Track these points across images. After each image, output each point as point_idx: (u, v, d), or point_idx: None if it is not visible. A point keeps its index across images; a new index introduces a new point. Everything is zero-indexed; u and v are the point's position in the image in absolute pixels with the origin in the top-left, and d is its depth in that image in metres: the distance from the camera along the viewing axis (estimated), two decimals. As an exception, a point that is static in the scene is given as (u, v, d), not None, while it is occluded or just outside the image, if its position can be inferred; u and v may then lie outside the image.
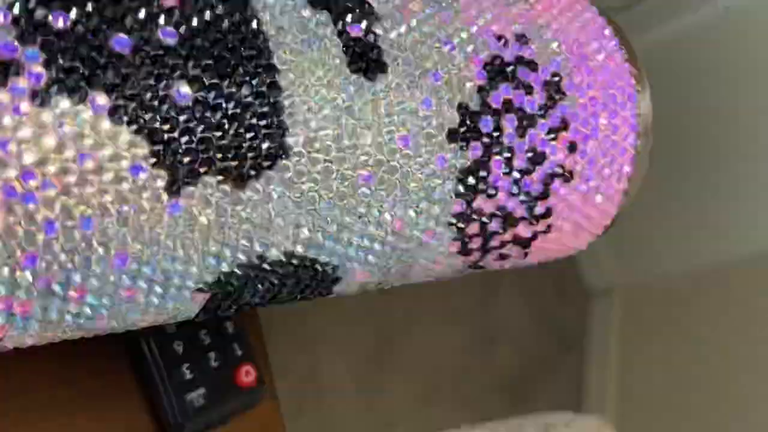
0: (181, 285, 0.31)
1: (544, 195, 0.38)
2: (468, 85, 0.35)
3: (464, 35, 0.36)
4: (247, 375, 0.47)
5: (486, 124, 0.36)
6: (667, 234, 1.33)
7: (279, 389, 0.51)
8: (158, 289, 0.31)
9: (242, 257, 0.32)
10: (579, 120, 0.38)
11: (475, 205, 0.36)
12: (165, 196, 0.29)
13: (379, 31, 0.34)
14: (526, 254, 0.41)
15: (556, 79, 0.38)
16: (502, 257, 0.40)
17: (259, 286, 0.33)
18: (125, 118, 0.28)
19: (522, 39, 0.37)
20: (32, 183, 0.27)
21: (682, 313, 1.32)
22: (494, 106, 0.36)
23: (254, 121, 0.30)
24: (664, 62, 1.16)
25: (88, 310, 0.30)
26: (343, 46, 0.33)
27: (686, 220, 1.29)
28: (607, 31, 0.41)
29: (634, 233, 1.30)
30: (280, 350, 0.50)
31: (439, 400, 1.34)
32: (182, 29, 0.29)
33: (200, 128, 0.29)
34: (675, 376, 1.32)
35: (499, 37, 0.37)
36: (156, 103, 0.28)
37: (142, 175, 0.28)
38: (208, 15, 0.30)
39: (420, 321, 1.30)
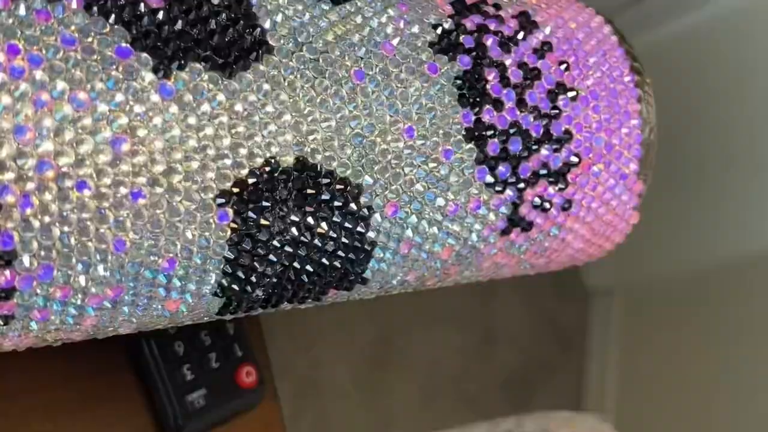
0: (204, 189, 0.30)
1: (554, 112, 0.38)
2: (437, 11, 0.36)
3: None
4: (247, 375, 0.47)
5: (467, 40, 0.36)
6: (667, 234, 1.33)
7: (279, 389, 0.51)
8: (174, 201, 0.30)
9: (255, 161, 0.31)
10: (562, 45, 0.39)
11: (484, 118, 0.36)
12: (156, 81, 0.28)
13: None
14: (568, 202, 0.39)
15: (524, 14, 0.38)
16: (543, 203, 0.39)
17: (280, 209, 0.32)
18: (100, 12, 0.28)
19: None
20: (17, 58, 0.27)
21: (682, 313, 1.32)
22: (469, 27, 0.36)
23: (229, 23, 0.30)
24: (664, 62, 1.16)
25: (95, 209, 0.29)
26: None
27: (687, 220, 1.29)
28: (597, 22, 0.42)
29: (635, 233, 1.30)
30: (281, 351, 0.50)
31: (439, 400, 1.34)
32: None
33: (177, 25, 0.29)
34: (675, 376, 1.32)
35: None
36: (127, 4, 0.29)
37: (129, 56, 0.28)
38: None
39: (420, 321, 1.30)
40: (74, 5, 0.27)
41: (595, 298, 1.48)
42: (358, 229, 0.34)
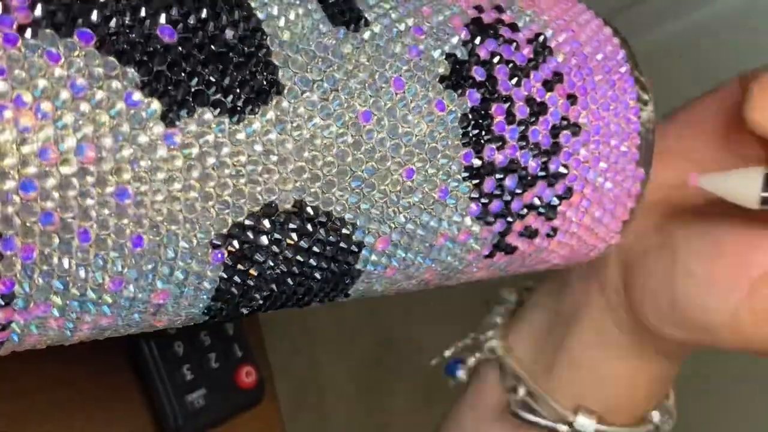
0: (196, 237, 0.30)
1: (554, 148, 0.38)
2: (452, 39, 0.36)
3: (440, 4, 0.36)
4: (247, 376, 0.47)
5: (478, 72, 0.36)
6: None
7: (279, 389, 0.51)
8: (171, 242, 0.30)
9: (252, 206, 0.31)
10: (573, 75, 0.39)
11: (485, 156, 0.36)
12: (162, 127, 0.28)
13: None
14: (553, 230, 0.40)
15: (540, 37, 0.38)
16: (528, 232, 0.39)
17: (274, 248, 0.32)
18: (112, 50, 0.28)
19: (497, 8, 0.38)
20: (24, 109, 0.26)
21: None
22: (482, 56, 0.36)
23: (242, 60, 0.30)
24: (664, 62, 1.16)
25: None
26: (322, 5, 0.33)
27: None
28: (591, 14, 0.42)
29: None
30: (280, 351, 0.50)
31: (439, 401, 1.35)
32: None
33: (188, 64, 0.29)
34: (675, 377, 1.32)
35: (476, 7, 0.37)
36: (141, 41, 0.28)
37: (137, 106, 0.28)
38: None
39: (420, 321, 1.30)
40: (85, 43, 0.27)
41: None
42: (348, 261, 0.35)
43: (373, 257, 0.35)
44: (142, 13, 0.28)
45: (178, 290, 0.31)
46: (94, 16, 0.27)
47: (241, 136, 0.30)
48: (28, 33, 0.26)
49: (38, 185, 0.26)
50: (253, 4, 0.31)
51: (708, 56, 1.20)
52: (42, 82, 0.26)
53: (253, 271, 0.32)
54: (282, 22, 0.32)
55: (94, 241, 0.28)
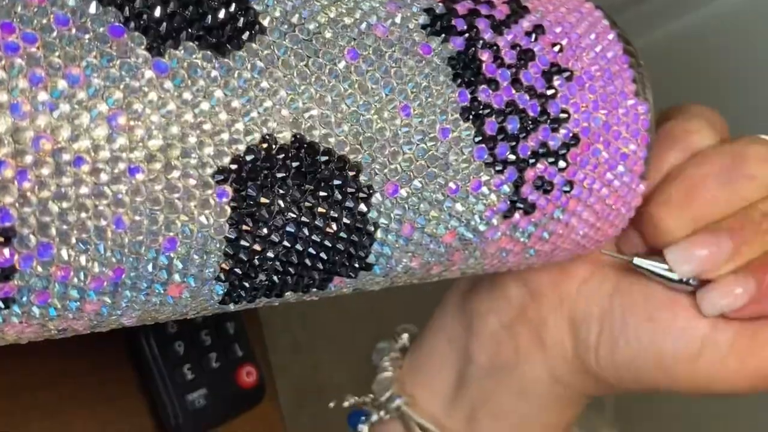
0: (200, 164, 0.30)
1: (550, 91, 0.38)
2: None
3: None
4: (247, 375, 0.47)
5: (459, 23, 0.36)
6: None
7: (279, 389, 0.51)
8: (169, 178, 0.29)
9: (250, 137, 0.31)
10: (555, 27, 0.39)
11: (480, 97, 0.36)
12: (149, 58, 0.29)
13: None
14: (569, 184, 0.40)
15: (518, 1, 0.39)
16: (542, 183, 0.39)
17: (279, 189, 0.32)
18: None
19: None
20: (11, 36, 0.27)
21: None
22: (460, 12, 0.36)
23: (220, 4, 0.31)
24: (664, 62, 1.16)
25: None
26: None
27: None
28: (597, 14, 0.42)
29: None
30: (280, 350, 0.50)
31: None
32: None
33: (168, 6, 0.30)
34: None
35: None
36: None
37: (122, 36, 0.28)
38: None
39: (421, 321, 1.30)
40: None
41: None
42: (360, 208, 0.34)
43: (387, 203, 0.35)
44: None
45: (187, 232, 0.30)
46: None
47: (227, 64, 0.30)
48: None
49: (30, 104, 0.26)
50: None
51: (707, 56, 1.20)
52: (23, 12, 0.27)
53: (261, 214, 0.32)
54: None
55: (90, 165, 0.28)
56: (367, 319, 1.28)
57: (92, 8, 0.28)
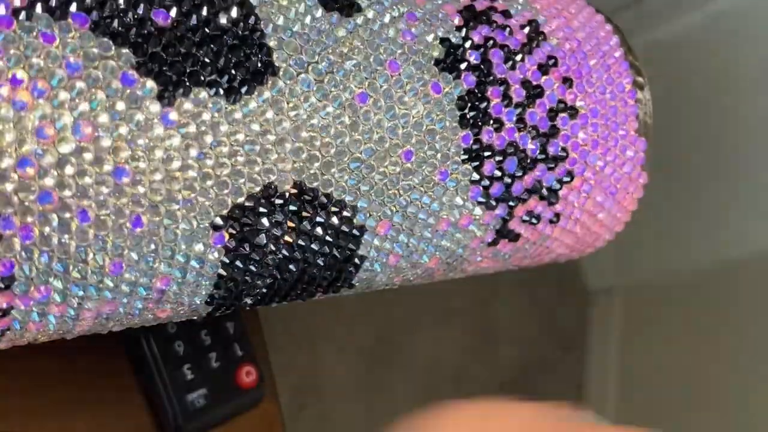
0: (199, 217, 0.30)
1: (552, 131, 0.38)
2: (446, 23, 0.36)
3: None
4: (247, 375, 0.47)
5: (473, 55, 0.36)
6: (667, 234, 1.33)
7: (279, 389, 0.51)
8: (169, 222, 0.30)
9: (252, 186, 0.31)
10: (569, 59, 0.39)
11: (483, 138, 0.36)
12: (158, 105, 0.28)
13: None
14: (556, 216, 0.40)
15: (534, 24, 0.38)
16: (531, 217, 0.39)
17: (275, 230, 0.32)
18: (107, 32, 0.28)
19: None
20: (20, 86, 0.26)
21: (682, 314, 1.32)
22: (476, 41, 0.36)
23: (236, 42, 0.30)
24: (663, 63, 1.16)
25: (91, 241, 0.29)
26: None
27: (687, 220, 1.29)
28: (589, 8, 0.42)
29: (635, 233, 1.30)
30: (281, 350, 0.50)
31: (440, 399, 1.34)
32: None
33: (183, 46, 0.29)
34: (675, 377, 1.32)
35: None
36: (136, 24, 0.28)
37: (133, 84, 0.28)
38: None
39: (420, 320, 1.30)
40: (80, 25, 0.27)
41: (596, 299, 1.48)
42: (350, 246, 0.35)
43: (376, 242, 0.35)
44: None
45: (180, 275, 0.31)
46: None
47: (237, 115, 0.30)
48: (23, 15, 0.26)
49: (35, 163, 0.26)
50: None
51: (709, 55, 1.20)
52: (37, 61, 0.26)
53: (254, 256, 0.32)
54: (275, 8, 0.32)
55: (93, 221, 0.28)
56: (367, 320, 1.28)
57: (105, 48, 0.28)
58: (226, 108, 0.30)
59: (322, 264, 0.34)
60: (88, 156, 0.27)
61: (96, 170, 0.27)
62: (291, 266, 0.34)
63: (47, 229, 0.27)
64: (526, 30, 0.38)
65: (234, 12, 0.31)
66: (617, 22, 0.43)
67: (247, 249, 0.32)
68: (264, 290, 0.34)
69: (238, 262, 0.32)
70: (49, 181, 0.27)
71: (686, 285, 1.32)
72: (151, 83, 0.28)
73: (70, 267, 0.28)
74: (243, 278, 0.33)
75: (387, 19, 0.35)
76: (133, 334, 0.43)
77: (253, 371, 0.47)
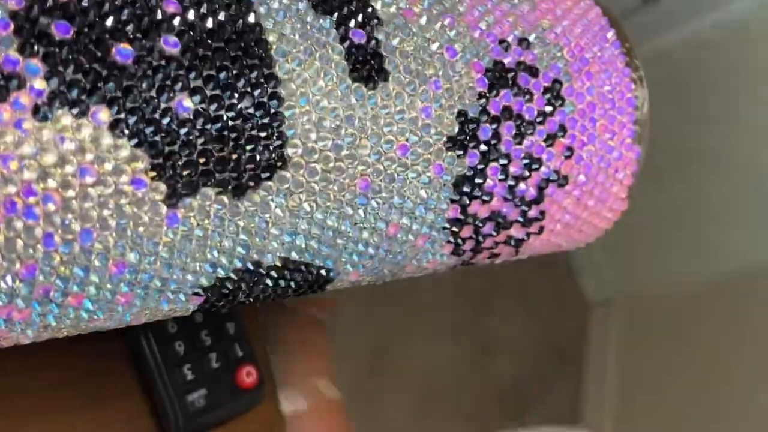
0: (178, 290, 0.31)
1: (537, 200, 0.39)
2: (468, 92, 0.35)
3: (466, 41, 0.36)
4: (248, 376, 0.47)
5: (485, 132, 0.36)
6: (666, 246, 1.33)
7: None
8: (155, 295, 0.31)
9: (239, 264, 0.32)
10: (577, 126, 0.39)
11: (470, 210, 0.37)
12: (164, 208, 0.29)
13: (381, 37, 0.33)
14: (517, 252, 0.41)
15: (557, 85, 0.38)
16: (494, 255, 0.41)
17: (254, 288, 0.34)
18: (126, 132, 0.28)
19: (524, 43, 0.37)
20: (32, 199, 0.27)
21: (681, 325, 1.32)
22: (493, 113, 0.36)
23: (254, 132, 0.30)
24: (665, 69, 1.16)
25: (84, 315, 0.30)
26: (345, 54, 0.32)
27: (685, 232, 1.29)
28: (609, 35, 0.41)
29: (634, 245, 1.30)
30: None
31: (435, 411, 1.34)
32: (185, 37, 0.29)
33: (200, 141, 0.29)
34: (674, 388, 1.32)
35: (501, 41, 0.37)
36: (157, 116, 0.28)
37: (142, 189, 0.28)
38: (210, 22, 0.30)
39: (416, 331, 1.30)
40: (100, 116, 0.27)
41: (594, 311, 1.48)
42: (322, 286, 0.36)
43: (346, 280, 0.37)
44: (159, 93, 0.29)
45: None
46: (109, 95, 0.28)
47: (240, 208, 0.31)
48: (42, 112, 0.27)
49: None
50: (277, 71, 0.31)
51: (708, 65, 1.21)
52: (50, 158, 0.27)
53: (229, 302, 0.34)
54: (303, 85, 0.32)
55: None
56: (362, 330, 1.28)
57: (119, 153, 0.28)
58: (229, 203, 0.31)
59: (292, 293, 0.36)
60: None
61: (102, 266, 0.29)
62: (262, 295, 0.35)
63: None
64: (547, 96, 0.38)
65: (265, 99, 0.31)
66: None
67: (223, 302, 0.34)
68: (239, 304, 0.36)
69: (213, 305, 0.34)
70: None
71: (685, 297, 1.32)
72: (163, 187, 0.29)
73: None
74: (219, 307, 0.35)
75: (408, 91, 0.34)
76: (132, 333, 0.43)
77: (254, 372, 0.47)
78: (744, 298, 1.21)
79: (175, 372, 0.45)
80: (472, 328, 1.41)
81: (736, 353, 1.21)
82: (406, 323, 1.29)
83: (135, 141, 0.28)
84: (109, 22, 0.28)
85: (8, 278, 0.27)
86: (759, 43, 1.13)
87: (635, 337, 1.43)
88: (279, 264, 0.33)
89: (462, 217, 0.37)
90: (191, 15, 0.29)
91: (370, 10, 0.34)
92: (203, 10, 0.30)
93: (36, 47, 0.26)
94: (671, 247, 1.32)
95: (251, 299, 0.35)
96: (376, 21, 0.34)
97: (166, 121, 0.28)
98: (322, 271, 0.35)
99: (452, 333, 1.38)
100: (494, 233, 0.38)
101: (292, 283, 0.35)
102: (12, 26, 0.26)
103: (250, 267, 0.32)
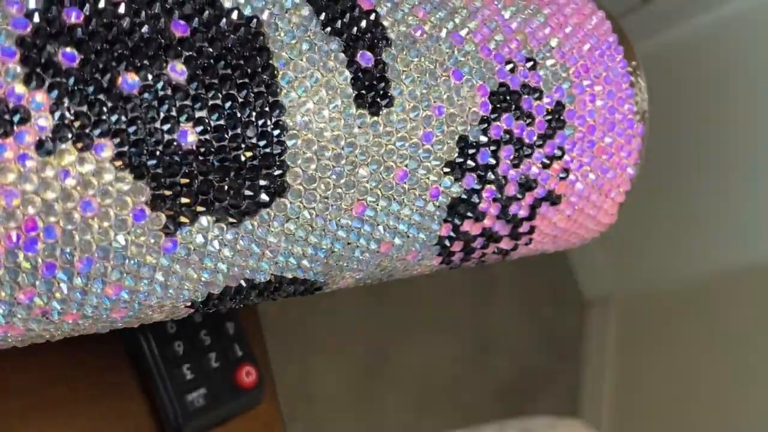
0: (171, 305, 0.32)
1: (529, 218, 0.39)
2: (470, 117, 0.35)
3: (473, 62, 0.35)
4: (247, 375, 0.47)
5: (484, 156, 0.36)
6: (664, 243, 1.33)
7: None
8: (148, 311, 0.32)
9: (232, 283, 0.32)
10: (575, 148, 0.38)
11: (462, 228, 0.37)
12: (162, 237, 0.29)
13: (388, 60, 0.33)
14: (503, 259, 0.42)
15: (559, 108, 0.38)
16: (481, 262, 0.41)
17: (245, 299, 0.34)
18: (129, 164, 0.28)
19: (531, 63, 0.37)
20: (33, 233, 0.27)
21: (679, 323, 1.32)
22: (494, 137, 0.36)
23: (256, 162, 0.30)
24: (664, 67, 1.16)
25: (82, 325, 0.31)
26: (352, 79, 0.32)
27: (683, 229, 1.29)
28: (617, 54, 0.41)
29: (631, 242, 1.30)
30: (273, 359, 0.50)
31: (433, 410, 1.34)
32: (192, 64, 0.29)
33: (202, 172, 0.29)
34: (672, 386, 1.32)
35: (508, 62, 0.36)
36: (161, 148, 0.28)
37: (143, 220, 0.28)
38: (218, 48, 0.29)
39: (414, 330, 1.30)
40: (104, 150, 0.27)
41: (592, 308, 1.49)
42: (313, 293, 0.37)
43: (337, 288, 0.38)
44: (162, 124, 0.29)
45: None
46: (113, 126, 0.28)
47: (237, 234, 0.31)
48: (47, 146, 0.26)
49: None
50: (282, 99, 0.31)
51: (707, 63, 1.21)
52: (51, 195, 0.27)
53: (216, 307, 0.35)
54: (307, 114, 0.31)
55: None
56: (360, 329, 1.28)
57: (123, 183, 0.28)
58: (225, 230, 0.31)
59: (283, 298, 0.37)
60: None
61: (101, 291, 0.30)
62: (253, 302, 0.36)
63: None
64: (548, 119, 0.37)
65: (270, 128, 0.30)
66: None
67: (211, 308, 0.34)
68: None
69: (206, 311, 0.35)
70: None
71: (683, 294, 1.32)
72: (164, 218, 0.29)
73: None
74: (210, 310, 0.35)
75: (412, 117, 0.34)
76: (132, 333, 0.43)
77: (253, 371, 0.47)
78: (742, 295, 1.22)
79: (175, 371, 0.45)
80: (469, 327, 1.41)
81: (734, 350, 1.21)
82: (404, 322, 1.29)
83: (137, 173, 0.28)
84: (117, 47, 0.28)
85: (6, 306, 0.28)
86: (758, 43, 1.13)
87: (633, 334, 1.43)
88: (272, 280, 0.33)
89: (453, 234, 0.37)
90: (199, 39, 0.29)
91: (380, 29, 0.33)
92: (212, 33, 0.29)
93: (42, 78, 0.26)
94: (669, 245, 1.32)
95: (241, 305, 0.35)
96: (384, 42, 0.33)
97: (169, 152, 0.28)
98: (315, 284, 0.36)
99: (450, 331, 1.38)
100: (484, 247, 0.39)
101: (283, 293, 0.35)
102: (18, 55, 0.26)
103: (243, 284, 0.33)
